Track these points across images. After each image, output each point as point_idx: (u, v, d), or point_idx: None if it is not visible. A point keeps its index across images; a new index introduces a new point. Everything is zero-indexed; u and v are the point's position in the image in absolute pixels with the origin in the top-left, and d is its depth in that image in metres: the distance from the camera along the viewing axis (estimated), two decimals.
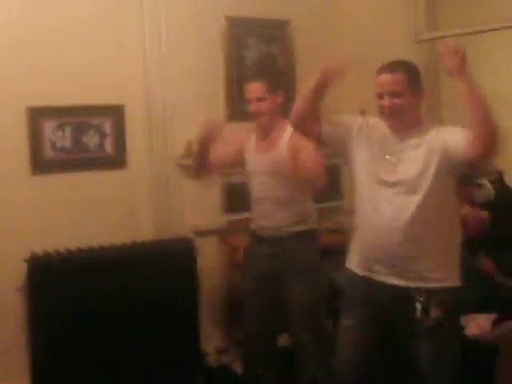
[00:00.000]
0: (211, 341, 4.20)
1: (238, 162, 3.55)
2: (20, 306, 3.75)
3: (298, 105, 2.84)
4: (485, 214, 4.27)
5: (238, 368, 4.04)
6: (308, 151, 3.20)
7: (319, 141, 2.92)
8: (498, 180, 5.14)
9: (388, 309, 2.72)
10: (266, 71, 4.27)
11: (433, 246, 2.67)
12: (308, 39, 4.61)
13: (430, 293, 2.62)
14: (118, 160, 4.07)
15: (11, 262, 3.69)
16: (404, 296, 2.65)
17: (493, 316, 3.61)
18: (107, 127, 4.01)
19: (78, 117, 3.93)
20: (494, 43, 5.15)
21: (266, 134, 3.41)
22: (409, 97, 2.64)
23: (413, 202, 2.62)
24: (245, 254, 3.73)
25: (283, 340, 4.17)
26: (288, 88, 4.55)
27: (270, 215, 3.41)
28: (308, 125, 2.84)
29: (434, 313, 2.61)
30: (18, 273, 3.68)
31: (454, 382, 2.73)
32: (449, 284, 2.67)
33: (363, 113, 4.21)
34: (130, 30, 4.04)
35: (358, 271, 2.83)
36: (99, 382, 3.75)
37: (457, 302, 2.72)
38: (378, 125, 2.78)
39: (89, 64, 3.90)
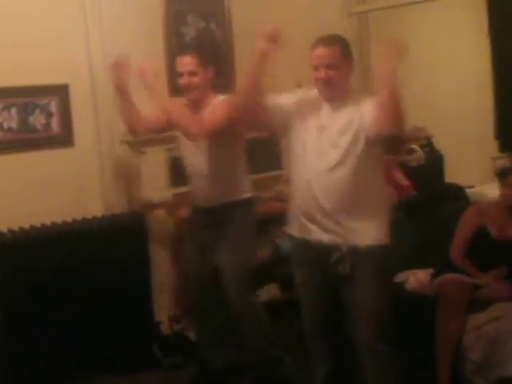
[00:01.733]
0: (164, 310, 4.35)
1: (167, 128, 3.64)
2: None
3: (242, 95, 2.97)
4: (407, 183, 4.52)
5: (190, 334, 4.21)
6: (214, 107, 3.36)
7: (268, 128, 3.11)
8: (428, 144, 5.46)
9: (322, 263, 2.95)
10: (198, 46, 4.40)
11: (362, 208, 2.89)
12: (245, 15, 4.75)
13: (356, 248, 2.87)
14: (65, 139, 4.13)
15: None
16: (331, 250, 2.90)
17: (430, 270, 3.90)
18: (53, 107, 4.06)
19: (23, 97, 3.96)
20: (417, 17, 5.44)
21: (197, 109, 3.49)
22: (342, 69, 2.86)
23: (344, 168, 2.84)
24: (186, 225, 3.89)
25: None
26: (226, 63, 4.74)
27: (204, 188, 3.56)
28: (255, 113, 2.98)
29: (350, 265, 2.86)
30: None
31: (380, 333, 2.94)
32: (376, 242, 2.90)
33: (299, 85, 4.42)
34: (71, 9, 4.09)
35: (296, 234, 3.06)
36: (53, 355, 3.82)
37: (384, 259, 2.93)
38: (311, 97, 2.98)
39: (32, 45, 3.94)
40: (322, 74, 2.84)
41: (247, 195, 3.60)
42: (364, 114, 2.81)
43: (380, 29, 5.12)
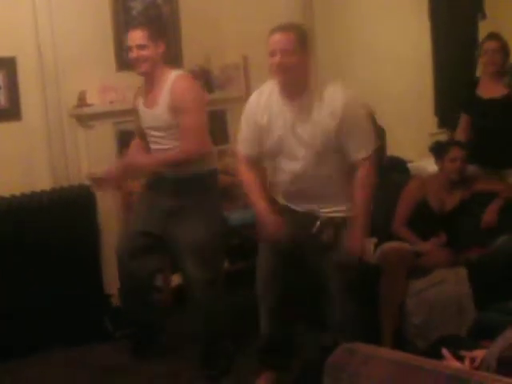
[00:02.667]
0: (114, 283, 4.42)
1: None
2: None
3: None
4: None
5: None
6: (187, 116, 3.39)
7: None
8: (370, 120, 5.60)
9: (300, 227, 3.11)
10: (148, 20, 4.44)
11: (335, 189, 3.06)
12: None
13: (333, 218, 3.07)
14: (12, 112, 4.16)
15: None
16: (311, 218, 3.07)
17: (373, 240, 4.08)
18: (0, 80, 4.08)
19: None
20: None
21: (150, 84, 3.53)
22: (298, 56, 2.90)
23: (312, 156, 2.98)
24: (141, 195, 3.91)
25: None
26: (172, 37, 4.80)
27: None
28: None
29: (328, 232, 3.05)
30: None
31: (351, 295, 3.15)
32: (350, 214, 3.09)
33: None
34: None
35: (280, 201, 3.21)
36: (3, 329, 3.89)
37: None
38: (270, 98, 3.04)
39: None
40: (277, 58, 2.88)
41: (213, 166, 3.66)
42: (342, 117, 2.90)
43: (324, 10, 5.23)
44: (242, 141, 3.16)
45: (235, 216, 4.70)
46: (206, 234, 3.53)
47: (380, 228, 4.12)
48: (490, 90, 4.21)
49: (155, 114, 3.50)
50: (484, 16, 5.72)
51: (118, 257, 3.80)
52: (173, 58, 4.79)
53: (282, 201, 3.23)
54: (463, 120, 4.40)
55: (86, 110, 4.34)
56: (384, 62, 5.88)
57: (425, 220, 3.97)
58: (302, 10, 5.01)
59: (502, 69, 4.17)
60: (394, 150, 5.48)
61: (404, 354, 1.96)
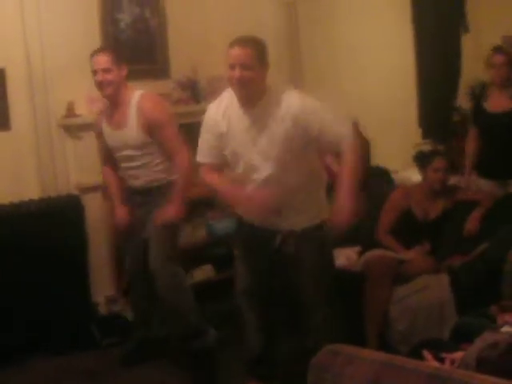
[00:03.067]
0: (101, 291, 4.48)
1: None
2: None
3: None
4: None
5: (128, 315, 4.36)
6: (161, 132, 3.59)
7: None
8: (354, 131, 5.69)
9: (265, 244, 3.18)
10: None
11: (298, 198, 3.10)
12: (179, 2, 4.93)
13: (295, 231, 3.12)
14: (1, 122, 4.23)
15: None
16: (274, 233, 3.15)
17: (357, 248, 4.17)
18: None
19: None
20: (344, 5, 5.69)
21: (115, 106, 3.68)
22: (257, 70, 2.96)
23: (273, 162, 3.02)
24: None
25: None
26: (160, 50, 4.89)
27: (136, 176, 3.75)
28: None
29: (289, 245, 3.11)
30: None
31: (325, 305, 3.23)
32: (315, 222, 3.16)
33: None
34: None
35: (243, 217, 3.27)
36: None
37: (323, 237, 3.20)
38: (230, 106, 3.10)
39: None
40: (236, 73, 2.94)
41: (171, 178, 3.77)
42: (302, 121, 2.95)
43: (309, 17, 5.34)
44: (203, 149, 3.18)
45: (220, 225, 4.79)
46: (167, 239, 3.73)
47: (364, 236, 4.22)
48: (496, 103, 4.33)
49: (126, 134, 3.65)
50: (466, 29, 5.83)
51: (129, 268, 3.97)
52: (160, 70, 4.90)
53: (241, 214, 3.28)
54: (471, 132, 4.53)
55: (74, 121, 4.41)
56: (368, 72, 5.97)
57: (408, 228, 4.06)
58: (287, 21, 5.12)
59: (508, 82, 4.29)
60: (378, 160, 5.58)
61: (387, 355, 2.01)
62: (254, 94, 3.01)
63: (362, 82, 5.95)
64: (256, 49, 2.98)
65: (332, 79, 5.68)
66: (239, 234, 3.37)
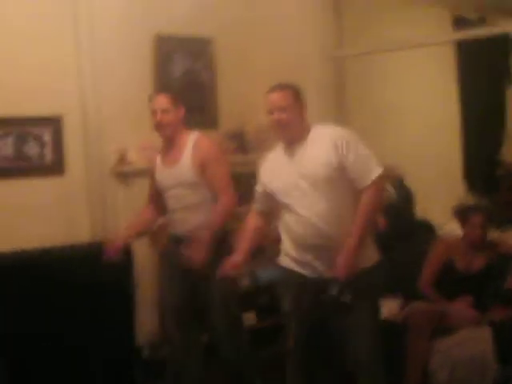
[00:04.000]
0: (146, 336, 4.61)
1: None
2: None
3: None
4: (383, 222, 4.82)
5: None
6: (215, 169, 3.69)
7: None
8: (399, 183, 5.80)
9: (314, 292, 3.22)
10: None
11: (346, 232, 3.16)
12: (229, 56, 5.14)
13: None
14: (56, 167, 4.45)
15: None
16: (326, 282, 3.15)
17: (399, 300, 4.24)
18: (46, 137, 4.38)
19: (19, 127, 4.29)
20: (390, 62, 5.85)
21: (171, 146, 3.81)
22: (294, 110, 3.20)
23: (321, 195, 3.14)
24: (163, 254, 4.18)
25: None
26: (209, 102, 5.10)
27: (183, 221, 3.81)
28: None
29: (346, 295, 3.08)
30: None
31: (377, 359, 3.27)
32: (369, 263, 3.23)
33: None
34: (66, 47, 4.45)
35: (290, 266, 3.35)
36: (35, 378, 4.07)
37: (377, 279, 3.28)
38: (272, 155, 3.36)
39: (28, 79, 4.29)
40: (275, 116, 3.19)
41: (226, 227, 3.82)
42: (341, 148, 3.11)
43: (355, 73, 5.50)
44: (255, 197, 3.46)
45: (264, 273, 4.89)
46: (225, 289, 3.77)
47: (407, 288, 4.30)
48: None
49: (178, 171, 3.75)
50: (511, 83, 5.95)
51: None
52: (209, 120, 5.10)
53: (288, 260, 3.35)
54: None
55: (126, 168, 4.61)
56: (412, 125, 6.11)
57: (451, 281, 4.13)
58: (334, 76, 5.27)
59: None
60: (423, 212, 5.66)
61: None
62: (295, 134, 3.22)
63: (408, 135, 6.08)
64: (291, 91, 3.22)
65: (376, 133, 5.81)
66: (287, 287, 3.43)
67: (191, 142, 3.74)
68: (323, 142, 3.16)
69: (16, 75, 4.25)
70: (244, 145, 5.17)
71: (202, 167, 3.69)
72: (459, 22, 6.07)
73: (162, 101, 3.73)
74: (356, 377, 3.27)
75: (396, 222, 5.26)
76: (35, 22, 4.35)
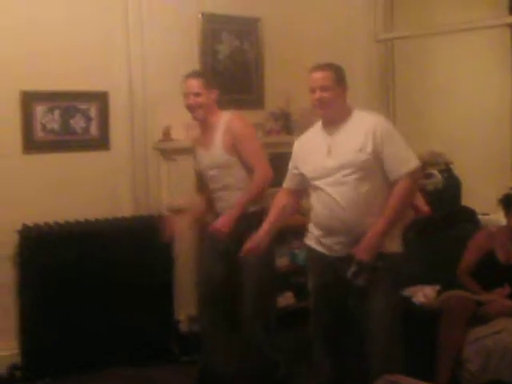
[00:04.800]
0: (184, 309, 4.72)
1: None
2: (10, 274, 4.25)
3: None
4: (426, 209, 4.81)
5: None
6: (247, 145, 3.75)
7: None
8: (447, 170, 5.77)
9: (335, 272, 3.31)
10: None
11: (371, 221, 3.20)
12: (276, 36, 5.19)
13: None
14: (102, 142, 4.58)
15: (4, 232, 4.18)
16: (345, 261, 3.22)
17: (437, 287, 4.24)
18: (93, 112, 4.52)
19: (66, 101, 4.43)
20: (442, 45, 5.80)
21: (205, 128, 3.89)
22: (336, 91, 3.25)
23: (352, 181, 3.19)
24: (203, 232, 4.23)
25: None
26: (256, 81, 5.15)
27: (223, 199, 3.90)
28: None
29: (363, 276, 3.15)
30: (10, 243, 4.20)
31: (391, 341, 3.32)
32: (390, 250, 3.26)
33: None
34: (115, 25, 4.57)
35: (314, 246, 3.43)
36: (81, 345, 4.23)
37: (394, 267, 3.30)
38: (309, 134, 3.45)
39: (78, 55, 4.42)
40: (317, 95, 3.25)
41: (266, 205, 3.86)
42: (383, 152, 3.16)
43: (405, 55, 5.48)
44: (287, 176, 3.54)
45: (303, 255, 4.92)
46: (259, 271, 3.84)
47: (445, 276, 4.29)
48: None
49: (212, 153, 3.84)
50: None
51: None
52: (255, 100, 5.16)
53: (312, 239, 3.44)
54: None
55: (170, 145, 4.71)
56: (463, 112, 6.05)
57: (490, 271, 4.11)
58: (382, 58, 5.26)
59: None
60: (469, 201, 5.62)
61: None
62: (335, 114, 3.27)
63: (457, 121, 6.04)
64: (333, 71, 3.27)
65: (425, 118, 5.79)
66: (311, 266, 3.55)
67: (223, 123, 3.81)
68: (361, 129, 3.20)
69: (66, 51, 4.39)
70: (289, 125, 5.21)
71: (234, 146, 3.77)
72: None
73: (194, 84, 3.80)
74: (370, 358, 3.34)
75: (441, 209, 5.24)
76: (87, 5, 4.48)
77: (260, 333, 3.93)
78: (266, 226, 3.50)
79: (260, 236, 3.48)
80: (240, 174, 3.83)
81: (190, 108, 3.83)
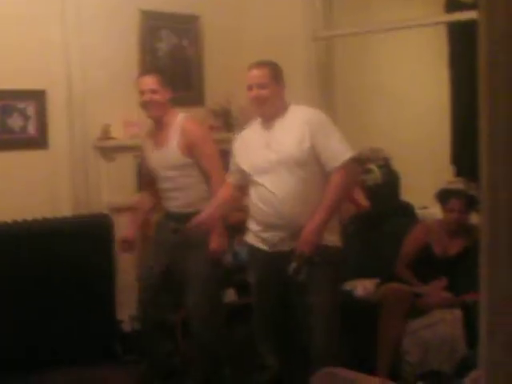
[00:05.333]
0: (126, 309, 4.72)
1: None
2: None
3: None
4: (366, 204, 4.90)
5: None
6: (202, 148, 3.79)
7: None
8: (386, 165, 5.88)
9: (275, 268, 3.36)
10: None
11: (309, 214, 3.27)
12: (216, 34, 5.23)
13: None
14: (40, 141, 4.54)
15: None
16: (286, 256, 3.27)
17: (376, 280, 4.34)
18: (30, 110, 4.48)
19: (3, 100, 4.38)
20: (381, 43, 5.91)
21: (159, 128, 3.91)
22: (273, 88, 3.33)
23: (292, 175, 3.26)
24: (155, 228, 4.27)
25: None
26: (196, 78, 5.18)
27: (174, 198, 3.93)
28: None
29: (304, 271, 3.21)
30: None
31: (331, 335, 3.41)
32: (329, 244, 3.33)
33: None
34: (52, 22, 4.52)
35: (254, 243, 3.50)
36: (23, 346, 4.19)
37: (334, 261, 3.38)
38: (248, 130, 3.52)
39: (14, 52, 4.37)
40: (254, 92, 3.33)
41: None
42: (313, 130, 3.24)
43: (346, 53, 5.57)
44: (229, 172, 3.62)
45: (244, 251, 4.97)
46: (205, 267, 3.87)
47: (384, 269, 4.40)
48: None
49: (166, 154, 3.85)
50: None
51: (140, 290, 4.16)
52: (195, 97, 5.18)
53: (252, 236, 3.51)
54: None
55: (109, 143, 4.71)
56: (402, 107, 6.17)
57: (427, 264, 4.22)
58: (323, 55, 5.32)
59: None
60: (409, 195, 5.74)
61: (382, 380, 2.20)
62: (272, 111, 3.34)
63: (396, 116, 6.15)
64: (270, 69, 3.35)
65: (365, 112, 5.89)
66: (252, 262, 3.61)
67: (178, 124, 3.82)
68: (297, 122, 3.28)
69: (1, 48, 4.33)
70: (230, 122, 5.25)
71: (190, 149, 3.79)
72: (452, 5, 6.10)
73: (150, 81, 3.82)
74: (310, 351, 3.40)
75: (379, 204, 5.34)
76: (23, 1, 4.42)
77: (207, 329, 3.96)
78: (210, 208, 3.56)
79: (206, 213, 3.55)
80: (194, 175, 3.87)
81: (146, 105, 3.84)
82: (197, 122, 3.95)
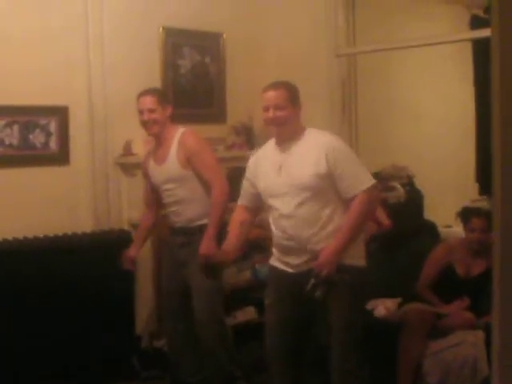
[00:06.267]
0: (145, 326, 4.72)
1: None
2: None
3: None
4: (387, 223, 4.85)
5: None
6: (201, 159, 3.83)
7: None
8: (409, 183, 5.84)
9: (299, 289, 3.28)
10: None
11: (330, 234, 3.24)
12: (238, 51, 5.26)
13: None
14: (61, 157, 4.59)
15: None
16: (305, 277, 3.23)
17: (398, 300, 4.30)
18: (52, 127, 4.52)
19: (25, 116, 4.43)
20: (405, 61, 5.89)
21: (159, 143, 3.98)
22: (290, 109, 3.29)
23: (305, 200, 3.23)
24: (162, 245, 4.34)
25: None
26: (218, 95, 5.20)
27: (178, 213, 3.98)
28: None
29: (321, 289, 3.17)
30: None
31: (352, 356, 3.35)
32: (352, 264, 3.29)
33: None
34: (75, 38, 4.58)
35: (277, 265, 3.46)
36: (43, 361, 4.20)
37: (356, 281, 3.31)
38: (263, 150, 3.47)
39: (37, 69, 4.42)
40: (270, 114, 3.28)
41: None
42: (336, 171, 3.19)
43: (368, 71, 5.55)
44: (242, 193, 3.56)
45: (265, 269, 4.94)
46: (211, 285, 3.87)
47: (405, 289, 4.36)
48: None
49: (166, 168, 3.92)
50: None
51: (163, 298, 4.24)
52: (217, 115, 5.20)
53: (275, 259, 3.48)
54: None
55: (131, 159, 4.73)
56: (426, 124, 6.14)
57: (449, 284, 4.19)
58: (345, 72, 5.32)
59: None
60: (432, 213, 5.69)
61: None
62: (288, 133, 3.31)
63: (419, 134, 6.12)
64: (287, 90, 3.31)
65: (388, 131, 5.86)
66: (273, 281, 3.55)
67: (177, 138, 3.88)
68: (314, 150, 3.24)
69: (25, 65, 4.39)
70: (251, 139, 5.25)
71: (189, 161, 3.84)
72: (476, 22, 6.07)
73: (148, 100, 3.89)
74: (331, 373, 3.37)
75: (403, 223, 5.31)
76: (47, 14, 4.47)
77: (216, 340, 3.97)
78: (227, 246, 3.50)
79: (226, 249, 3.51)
80: (195, 187, 3.90)
81: (145, 124, 3.92)
82: (195, 134, 3.97)
